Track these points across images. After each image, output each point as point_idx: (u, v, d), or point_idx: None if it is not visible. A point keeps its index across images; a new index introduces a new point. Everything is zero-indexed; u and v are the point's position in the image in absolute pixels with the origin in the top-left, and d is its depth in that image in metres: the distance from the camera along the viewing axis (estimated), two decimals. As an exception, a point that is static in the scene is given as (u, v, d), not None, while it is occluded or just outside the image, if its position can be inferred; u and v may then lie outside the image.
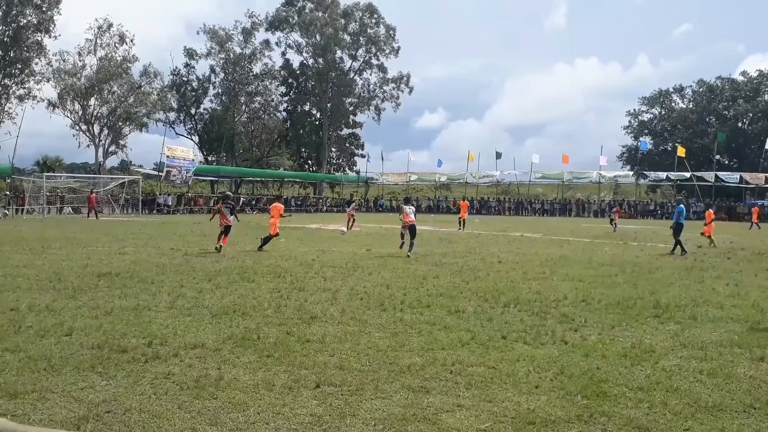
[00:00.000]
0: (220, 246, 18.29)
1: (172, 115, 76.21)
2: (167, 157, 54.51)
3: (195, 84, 77.62)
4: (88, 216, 40.66)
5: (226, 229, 19.18)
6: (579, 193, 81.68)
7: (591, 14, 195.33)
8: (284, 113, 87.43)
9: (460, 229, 33.75)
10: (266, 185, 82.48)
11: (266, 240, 19.38)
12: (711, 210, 24.84)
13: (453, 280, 13.01)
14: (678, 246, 20.20)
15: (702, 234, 24.31)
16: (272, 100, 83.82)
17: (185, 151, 58.94)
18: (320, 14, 79.50)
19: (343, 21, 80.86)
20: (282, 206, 21.28)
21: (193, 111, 78.78)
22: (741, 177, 65.15)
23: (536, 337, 7.93)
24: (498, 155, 74.81)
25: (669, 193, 79.30)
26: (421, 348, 7.27)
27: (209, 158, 79.09)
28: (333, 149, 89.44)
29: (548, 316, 9.31)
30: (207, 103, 79.71)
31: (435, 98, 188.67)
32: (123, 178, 53.83)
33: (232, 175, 71.59)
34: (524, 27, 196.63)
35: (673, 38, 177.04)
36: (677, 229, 20.79)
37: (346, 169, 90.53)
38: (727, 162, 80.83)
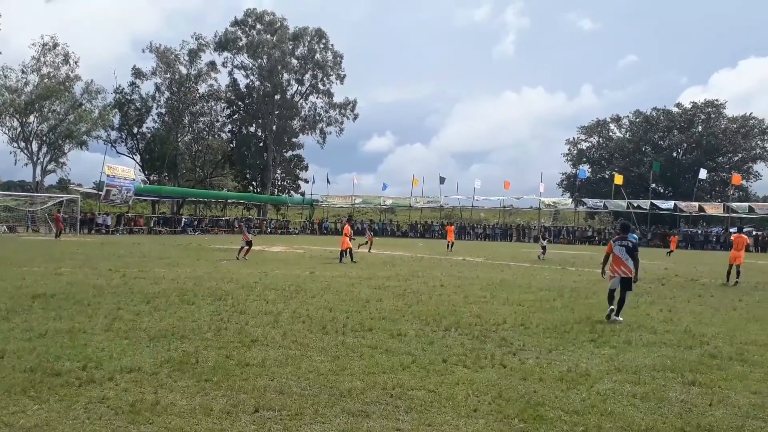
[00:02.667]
0: (244, 257, 24.85)
1: (113, 134, 75.09)
2: (107, 176, 53.38)
3: (138, 103, 76.49)
4: (57, 236, 39.45)
5: (248, 244, 25.84)
6: (519, 219, 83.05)
7: (539, 44, 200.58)
8: (229, 134, 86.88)
9: (449, 249, 38.52)
10: (209, 206, 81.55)
11: (342, 254, 25.35)
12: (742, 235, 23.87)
13: (396, 304, 13.06)
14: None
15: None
16: (217, 121, 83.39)
17: (126, 170, 57.81)
18: (268, 37, 79.49)
19: (291, 44, 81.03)
20: (349, 226, 27.21)
21: (135, 130, 77.54)
22: (675, 205, 67.23)
23: (476, 360, 8.03)
24: (441, 180, 75.60)
25: (606, 219, 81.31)
26: (362, 372, 7.28)
27: (151, 178, 77.82)
28: (278, 171, 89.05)
29: (488, 340, 9.43)
30: (150, 123, 78.75)
31: (383, 122, 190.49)
32: (61, 197, 52.45)
33: (174, 195, 70.53)
34: (473, 54, 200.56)
35: (618, 69, 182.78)
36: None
37: (291, 191, 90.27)
38: (662, 190, 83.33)
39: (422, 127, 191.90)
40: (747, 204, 67.40)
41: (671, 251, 42.24)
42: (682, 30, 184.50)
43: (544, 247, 33.74)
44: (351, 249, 25.81)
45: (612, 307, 11.76)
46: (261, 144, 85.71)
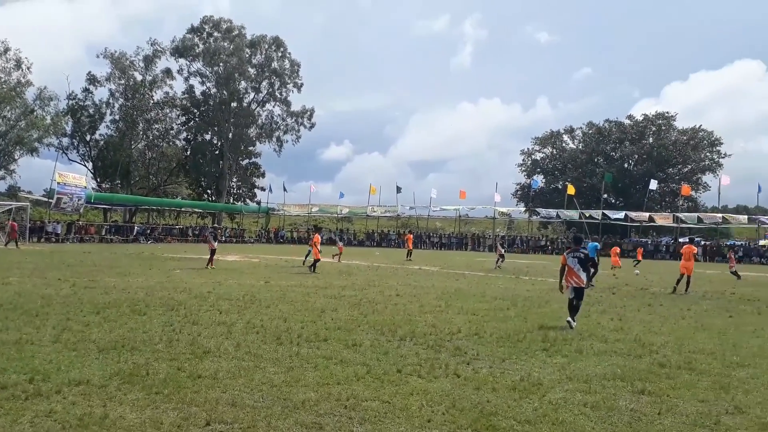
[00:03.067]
0: (211, 267, 25.26)
1: (65, 141, 73.38)
2: (58, 183, 52.18)
3: (92, 110, 75.05)
4: (6, 245, 38.25)
5: (212, 252, 26.76)
6: (475, 228, 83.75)
7: (496, 56, 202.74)
8: (184, 141, 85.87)
9: (409, 258, 38.86)
10: (162, 214, 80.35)
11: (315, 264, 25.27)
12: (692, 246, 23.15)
13: (351, 313, 13.04)
14: (593, 275, 21.85)
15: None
16: (172, 128, 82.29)
17: (77, 177, 56.61)
18: (225, 44, 78.90)
19: (248, 52, 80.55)
20: (319, 236, 27.42)
21: (88, 137, 76.05)
22: (626, 215, 68.51)
23: (430, 370, 8.05)
24: (398, 189, 75.93)
25: (559, 229, 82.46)
26: (316, 383, 7.24)
27: (103, 185, 76.38)
28: (234, 179, 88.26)
29: (442, 349, 9.47)
30: (103, 129, 77.26)
31: (342, 131, 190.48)
32: (10, 205, 51.06)
33: (127, 203, 69.32)
34: (431, 65, 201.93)
35: (573, 81, 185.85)
36: (593, 262, 22.31)
37: (247, 199, 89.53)
38: (613, 201, 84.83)
39: (380, 137, 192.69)
40: (696, 214, 69.05)
41: (638, 261, 43.06)
42: (636, 44, 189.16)
43: (502, 255, 33.82)
44: (318, 260, 25.60)
45: (569, 319, 12.29)
46: (216, 152, 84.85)
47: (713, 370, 8.62)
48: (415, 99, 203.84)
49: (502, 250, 34.14)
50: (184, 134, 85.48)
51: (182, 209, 77.45)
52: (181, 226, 70.71)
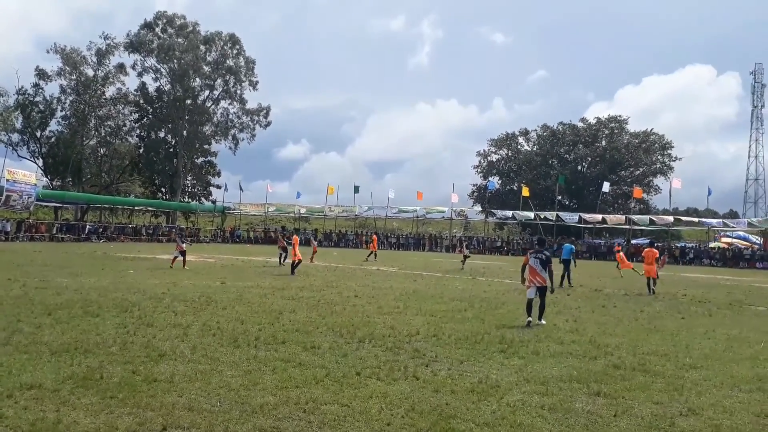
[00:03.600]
0: (172, 264, 25.50)
1: (15, 137, 71.43)
2: (7, 180, 50.86)
3: (42, 105, 73.27)
4: None
5: (181, 254, 25.91)
6: (432, 229, 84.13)
7: (453, 56, 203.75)
8: (137, 139, 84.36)
9: (368, 258, 38.45)
10: (115, 213, 78.92)
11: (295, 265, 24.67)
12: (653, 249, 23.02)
13: (309, 315, 12.96)
14: (565, 279, 23.29)
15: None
16: (125, 125, 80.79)
17: (27, 174, 55.25)
18: (180, 40, 77.80)
19: (203, 48, 79.59)
20: (297, 237, 27.12)
21: (38, 133, 74.24)
22: (580, 217, 69.58)
23: (389, 373, 8.04)
24: (356, 189, 75.76)
25: (515, 230, 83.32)
26: (274, 386, 7.17)
27: (54, 183, 74.67)
28: (188, 177, 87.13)
29: (401, 352, 9.47)
30: (54, 126, 75.47)
31: (299, 130, 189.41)
32: (-45, 202, 49.67)
33: (79, 201, 67.85)
34: (389, 65, 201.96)
35: (529, 83, 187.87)
36: (566, 264, 23.80)
37: (202, 198, 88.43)
38: (567, 202, 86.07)
39: (338, 136, 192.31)
40: (647, 217, 70.48)
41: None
42: (590, 47, 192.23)
43: (466, 256, 34.21)
44: (296, 262, 25.04)
45: (530, 318, 12.83)
46: (171, 149, 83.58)
47: (667, 372, 8.77)
48: (373, 99, 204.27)
49: (466, 251, 34.47)
50: (138, 131, 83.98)
51: (135, 208, 76.21)
52: (135, 225, 69.54)
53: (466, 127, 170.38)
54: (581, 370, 8.71)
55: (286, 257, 30.31)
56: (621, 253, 32.22)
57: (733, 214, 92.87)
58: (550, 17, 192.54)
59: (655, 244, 25.45)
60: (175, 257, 26.18)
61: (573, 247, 25.60)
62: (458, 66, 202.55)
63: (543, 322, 12.96)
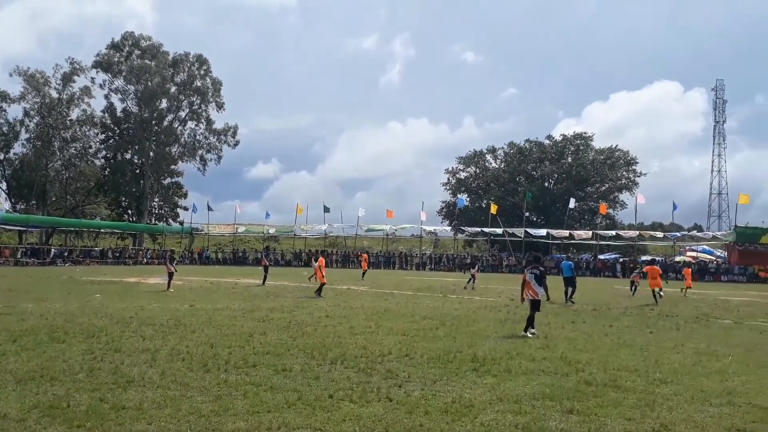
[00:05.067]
0: (169, 290, 25.26)
1: (-22, 160, 70.27)
2: (-32, 204, 49.95)
3: (5, 128, 72.16)
4: None
5: (169, 275, 26.39)
6: (402, 246, 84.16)
7: (424, 75, 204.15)
8: (103, 160, 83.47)
9: (362, 279, 38.85)
10: (81, 236, 77.76)
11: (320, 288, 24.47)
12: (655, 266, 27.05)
13: (280, 337, 12.83)
14: (572, 294, 24.08)
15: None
16: (90, 147, 79.92)
17: (-10, 198, 54.37)
18: (147, 62, 77.36)
19: (171, 70, 79.26)
20: (323, 258, 26.58)
21: (2, 156, 73.05)
22: (548, 233, 70.21)
23: (362, 394, 7.98)
24: (326, 209, 75.56)
25: (484, 247, 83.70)
26: (246, 411, 7.06)
27: (18, 206, 73.41)
28: (155, 199, 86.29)
29: (374, 372, 9.41)
30: (18, 148, 74.38)
31: (269, 149, 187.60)
32: None
33: (43, 224, 66.79)
34: (360, 84, 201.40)
35: (499, 101, 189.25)
36: (571, 281, 24.40)
37: (169, 219, 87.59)
38: (535, 219, 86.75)
39: (308, 155, 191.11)
40: (614, 232, 71.40)
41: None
42: (560, 64, 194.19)
43: (473, 276, 33.15)
44: (321, 284, 24.64)
45: (527, 331, 14.02)
46: (137, 171, 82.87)
47: (638, 388, 8.83)
48: (344, 117, 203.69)
49: (473, 270, 33.76)
50: (104, 153, 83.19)
51: (101, 230, 75.17)
52: (101, 248, 68.54)
53: (436, 145, 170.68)
54: (553, 387, 8.73)
55: (264, 277, 31.47)
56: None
57: (697, 228, 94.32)
58: (521, 36, 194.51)
59: (656, 261, 27.23)
60: (169, 280, 26.48)
61: (572, 263, 25.94)
62: (429, 84, 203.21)
63: (529, 334, 13.89)
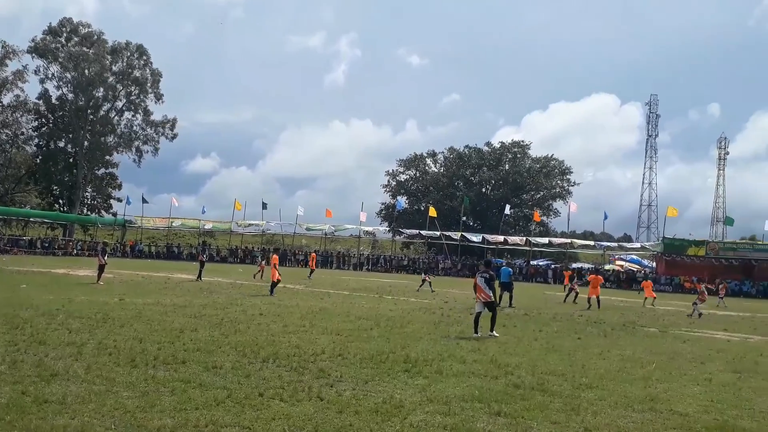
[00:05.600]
0: (99, 282, 24.55)
1: None
2: None
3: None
4: None
5: (100, 268, 25.52)
6: (340, 246, 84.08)
7: (370, 76, 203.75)
8: (35, 148, 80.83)
9: (309, 278, 38.86)
10: (9, 224, 75.10)
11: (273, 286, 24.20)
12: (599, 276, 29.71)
13: (212, 334, 12.66)
14: (510, 299, 24.62)
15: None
16: (22, 134, 77.35)
17: None
18: (86, 49, 75.25)
19: (110, 58, 77.30)
20: (277, 256, 25.85)
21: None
22: (484, 237, 71.19)
23: (293, 393, 7.94)
24: (264, 206, 74.91)
25: (421, 249, 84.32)
26: (173, 408, 6.94)
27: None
28: (88, 189, 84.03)
29: (306, 371, 9.38)
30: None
31: (209, 143, 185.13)
32: None
33: (-33, 212, 64.32)
34: (305, 81, 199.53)
35: (442, 106, 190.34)
36: (508, 286, 24.87)
37: (102, 210, 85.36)
38: (472, 223, 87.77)
39: (249, 151, 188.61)
40: (547, 239, 72.91)
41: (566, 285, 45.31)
42: (502, 72, 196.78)
43: (427, 281, 33.72)
44: (275, 282, 24.50)
45: (477, 332, 14.57)
46: (71, 160, 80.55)
47: (564, 392, 9.03)
48: (287, 114, 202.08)
49: (425, 276, 34.48)
50: (36, 140, 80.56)
51: (31, 219, 72.74)
52: (29, 238, 66.38)
53: (379, 147, 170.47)
54: (483, 389, 8.85)
55: (200, 272, 30.96)
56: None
57: (627, 238, 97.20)
58: (466, 42, 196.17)
59: (600, 271, 28.38)
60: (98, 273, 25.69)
61: (510, 270, 26.48)
62: (374, 86, 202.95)
63: (495, 334, 14.65)
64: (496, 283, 17.21)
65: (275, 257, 25.62)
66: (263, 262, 38.43)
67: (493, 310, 15.16)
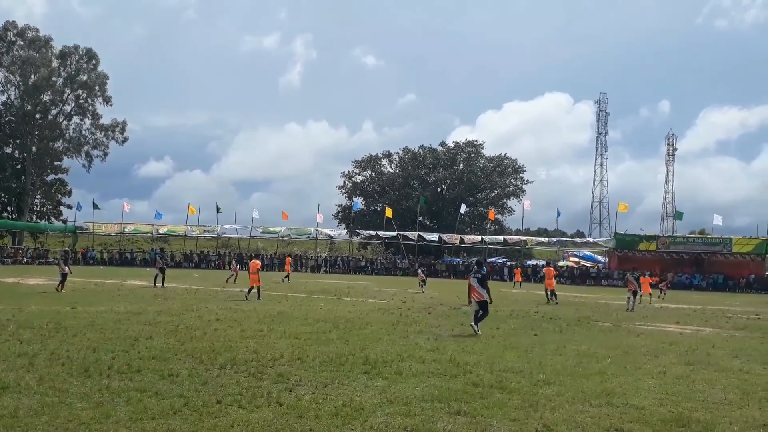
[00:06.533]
0: (60, 289, 24.35)
1: None
2: None
3: None
4: None
5: (62, 276, 25.14)
6: (297, 249, 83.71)
7: (325, 77, 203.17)
8: (-20, 154, 78.77)
9: (286, 281, 38.94)
10: (-46, 233, 73.10)
11: (249, 291, 24.40)
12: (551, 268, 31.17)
13: (167, 341, 12.46)
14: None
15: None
16: (-33, 141, 75.33)
17: None
18: (33, 53, 73.54)
19: (57, 63, 75.68)
20: (259, 262, 25.83)
21: None
22: (440, 237, 71.67)
23: (252, 399, 7.86)
24: (218, 209, 74.18)
25: (378, 250, 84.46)
26: (128, 418, 6.81)
27: None
28: (37, 196, 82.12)
29: (264, 377, 9.30)
30: None
31: (162, 147, 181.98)
32: None
33: None
34: (259, 83, 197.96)
35: (398, 107, 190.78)
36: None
37: (51, 217, 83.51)
38: (428, 223, 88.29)
39: (203, 154, 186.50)
40: (502, 237, 73.72)
41: (518, 282, 45.87)
42: (457, 73, 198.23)
43: (422, 279, 36.75)
44: (259, 287, 24.48)
45: (473, 324, 15.36)
46: (18, 166, 78.67)
47: (522, 389, 9.12)
48: (241, 117, 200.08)
49: (423, 276, 37.20)
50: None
51: (-23, 228, 70.88)
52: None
53: (336, 148, 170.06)
54: (442, 389, 8.89)
55: (163, 279, 30.40)
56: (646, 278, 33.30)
57: (580, 234, 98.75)
58: (420, 42, 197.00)
59: (551, 264, 31.96)
60: (60, 282, 25.14)
61: (485, 269, 26.92)
62: (330, 87, 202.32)
63: (479, 331, 15.19)
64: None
65: (257, 262, 25.50)
66: (237, 267, 38.53)
67: (484, 309, 15.84)
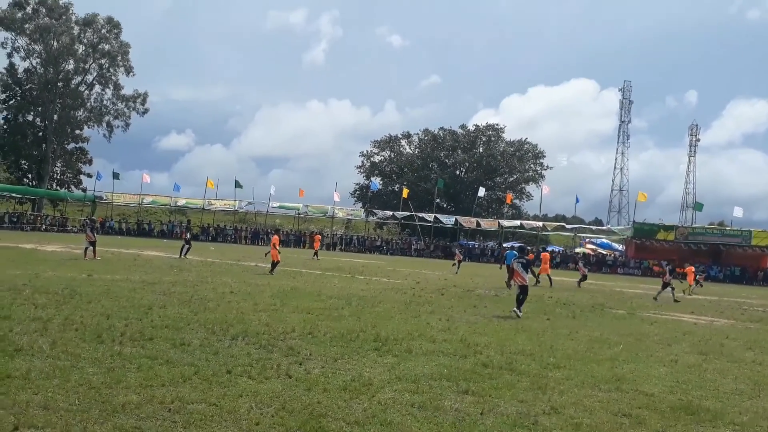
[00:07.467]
0: (91, 257, 25.12)
1: None
2: None
3: None
4: None
5: (91, 243, 25.99)
6: (313, 226, 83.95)
7: (350, 56, 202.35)
8: (2, 121, 79.36)
9: (315, 258, 40.07)
10: (-26, 198, 73.97)
11: (274, 266, 24.58)
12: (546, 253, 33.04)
13: (180, 311, 12.55)
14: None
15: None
16: (-11, 107, 75.93)
17: None
18: (55, 21, 73.74)
19: (79, 31, 75.85)
20: (278, 237, 26.21)
21: None
22: (456, 220, 71.54)
23: (261, 371, 7.90)
24: (237, 184, 74.34)
25: (394, 230, 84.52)
26: (138, 384, 6.87)
27: None
28: (58, 164, 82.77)
29: (275, 349, 9.34)
30: None
31: (184, 120, 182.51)
32: None
33: (-66, 185, 63.05)
34: (283, 59, 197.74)
35: (422, 88, 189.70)
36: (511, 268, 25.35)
37: (72, 186, 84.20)
38: (445, 205, 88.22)
39: (224, 129, 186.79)
40: (519, 221, 73.47)
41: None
42: (483, 55, 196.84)
43: (459, 261, 37.25)
44: (274, 262, 24.76)
45: (515, 309, 15.81)
46: (40, 134, 79.27)
47: (532, 371, 9.10)
48: (264, 92, 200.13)
49: (460, 257, 37.89)
50: (4, 113, 79.08)
51: (-3, 194, 71.65)
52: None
53: (357, 128, 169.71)
54: (451, 368, 8.88)
55: (188, 250, 30.68)
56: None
57: (598, 223, 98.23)
58: (446, 23, 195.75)
59: (548, 249, 30.13)
60: (86, 248, 25.90)
61: (515, 253, 26.78)
62: (354, 66, 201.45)
63: (519, 313, 15.64)
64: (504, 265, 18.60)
65: (276, 238, 25.91)
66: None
67: (525, 293, 16.26)
